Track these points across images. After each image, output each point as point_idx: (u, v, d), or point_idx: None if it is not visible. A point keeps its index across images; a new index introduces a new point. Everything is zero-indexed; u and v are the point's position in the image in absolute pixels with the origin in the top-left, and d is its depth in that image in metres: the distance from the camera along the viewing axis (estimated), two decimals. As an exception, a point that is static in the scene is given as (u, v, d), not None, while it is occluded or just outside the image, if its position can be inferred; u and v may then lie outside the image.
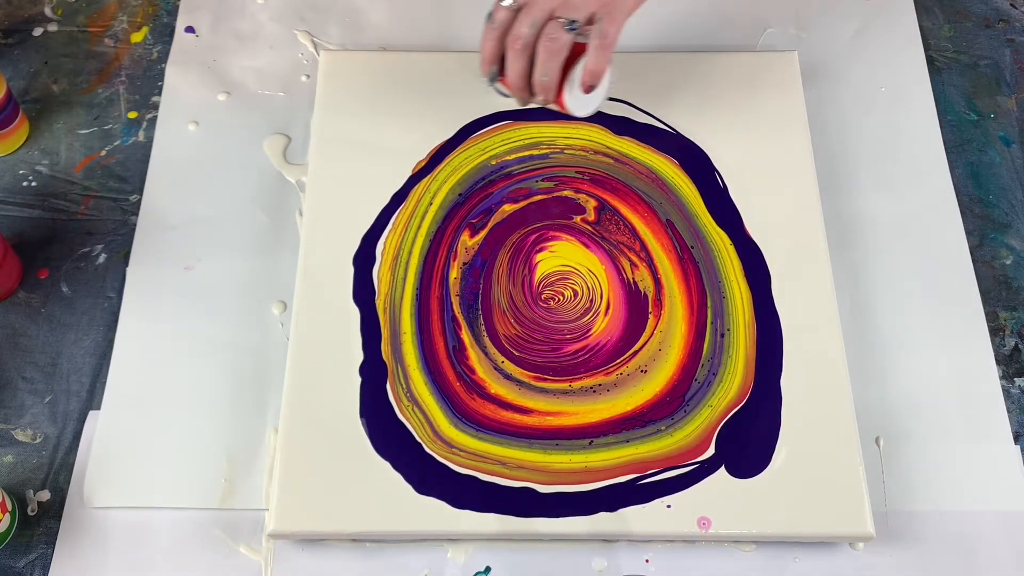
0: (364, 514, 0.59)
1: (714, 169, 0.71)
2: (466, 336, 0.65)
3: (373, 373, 0.63)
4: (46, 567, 0.60)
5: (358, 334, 0.64)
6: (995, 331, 0.69)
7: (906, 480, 0.63)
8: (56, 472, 0.63)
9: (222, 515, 0.62)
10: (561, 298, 0.66)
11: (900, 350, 0.68)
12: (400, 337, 0.64)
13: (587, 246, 0.68)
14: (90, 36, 0.81)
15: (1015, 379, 0.68)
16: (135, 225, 0.72)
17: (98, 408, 0.65)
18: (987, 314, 0.70)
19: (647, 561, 0.61)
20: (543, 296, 0.66)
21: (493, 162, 0.71)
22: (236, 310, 0.68)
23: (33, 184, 0.74)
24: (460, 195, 0.70)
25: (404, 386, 0.63)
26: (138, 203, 0.73)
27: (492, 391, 0.63)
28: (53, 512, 0.62)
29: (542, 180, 0.71)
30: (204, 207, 0.72)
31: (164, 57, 0.80)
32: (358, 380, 0.63)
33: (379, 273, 0.67)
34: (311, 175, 0.70)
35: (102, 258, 0.71)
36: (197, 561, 0.61)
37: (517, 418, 0.62)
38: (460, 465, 0.60)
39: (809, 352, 0.64)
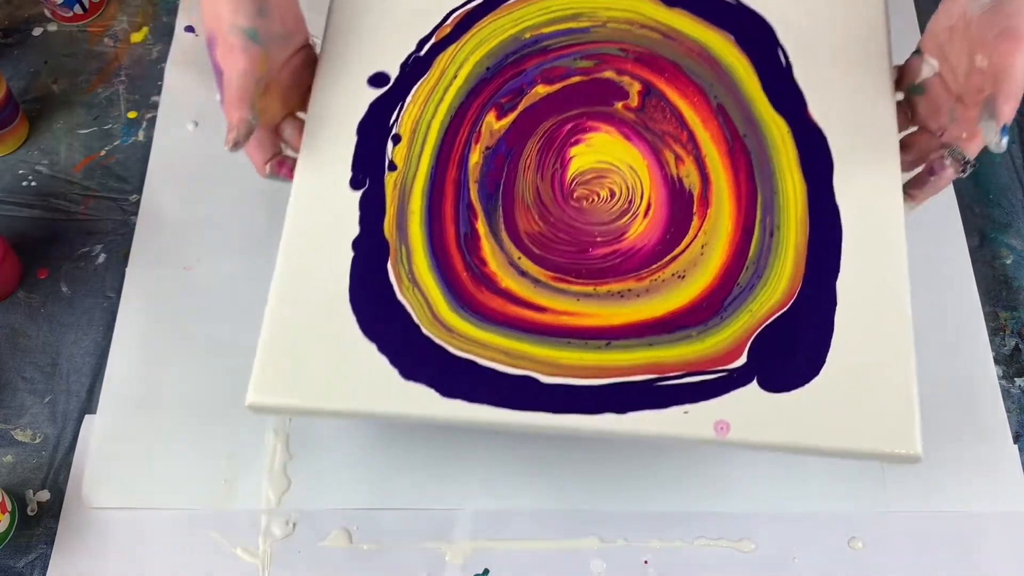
0: (348, 392, 0.54)
1: (777, 44, 0.63)
2: (481, 226, 0.58)
3: (372, 250, 0.57)
4: (45, 567, 0.61)
5: (357, 208, 0.58)
6: (995, 331, 0.69)
7: (906, 480, 0.63)
8: (56, 472, 0.63)
9: (221, 515, 0.62)
10: (596, 198, 0.59)
11: (900, 350, 0.68)
12: (407, 217, 0.58)
13: (628, 138, 0.61)
14: (90, 36, 0.81)
15: (1015, 379, 0.68)
16: (135, 225, 0.72)
17: (97, 408, 0.65)
18: (987, 314, 0.69)
19: (646, 562, 0.61)
20: (575, 195, 0.60)
21: (527, 35, 0.63)
22: (236, 310, 0.68)
23: (33, 184, 0.74)
24: (488, 69, 0.62)
25: (407, 266, 0.57)
26: (138, 203, 0.73)
27: (503, 285, 0.57)
28: (52, 512, 0.62)
29: (581, 58, 0.62)
30: (204, 207, 0.72)
31: (164, 57, 0.80)
32: (351, 255, 0.57)
33: (394, 149, 0.60)
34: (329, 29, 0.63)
35: (102, 258, 0.71)
36: (196, 561, 0.61)
37: (528, 314, 0.56)
38: (458, 349, 0.54)
39: (868, 252, 0.57)
